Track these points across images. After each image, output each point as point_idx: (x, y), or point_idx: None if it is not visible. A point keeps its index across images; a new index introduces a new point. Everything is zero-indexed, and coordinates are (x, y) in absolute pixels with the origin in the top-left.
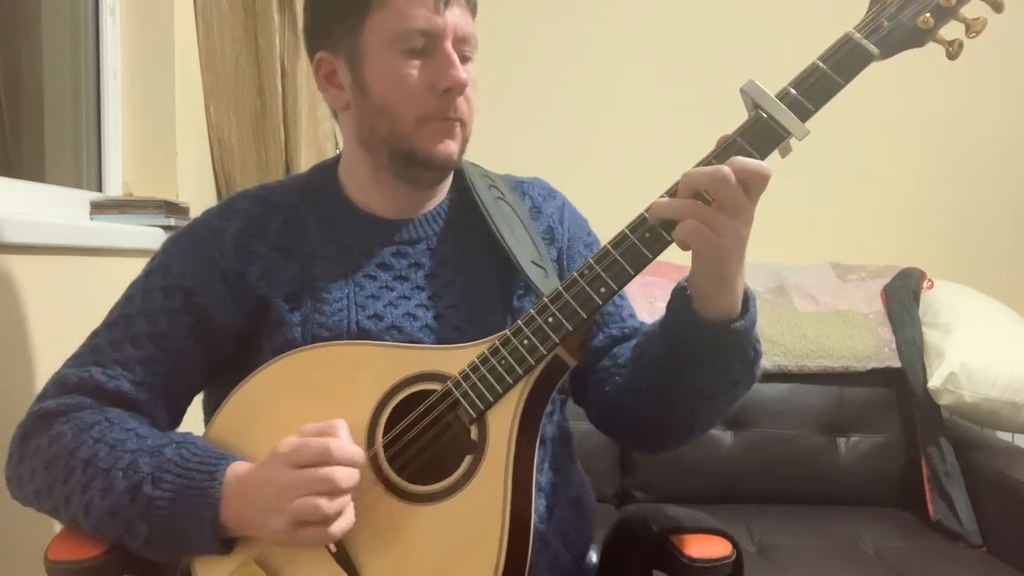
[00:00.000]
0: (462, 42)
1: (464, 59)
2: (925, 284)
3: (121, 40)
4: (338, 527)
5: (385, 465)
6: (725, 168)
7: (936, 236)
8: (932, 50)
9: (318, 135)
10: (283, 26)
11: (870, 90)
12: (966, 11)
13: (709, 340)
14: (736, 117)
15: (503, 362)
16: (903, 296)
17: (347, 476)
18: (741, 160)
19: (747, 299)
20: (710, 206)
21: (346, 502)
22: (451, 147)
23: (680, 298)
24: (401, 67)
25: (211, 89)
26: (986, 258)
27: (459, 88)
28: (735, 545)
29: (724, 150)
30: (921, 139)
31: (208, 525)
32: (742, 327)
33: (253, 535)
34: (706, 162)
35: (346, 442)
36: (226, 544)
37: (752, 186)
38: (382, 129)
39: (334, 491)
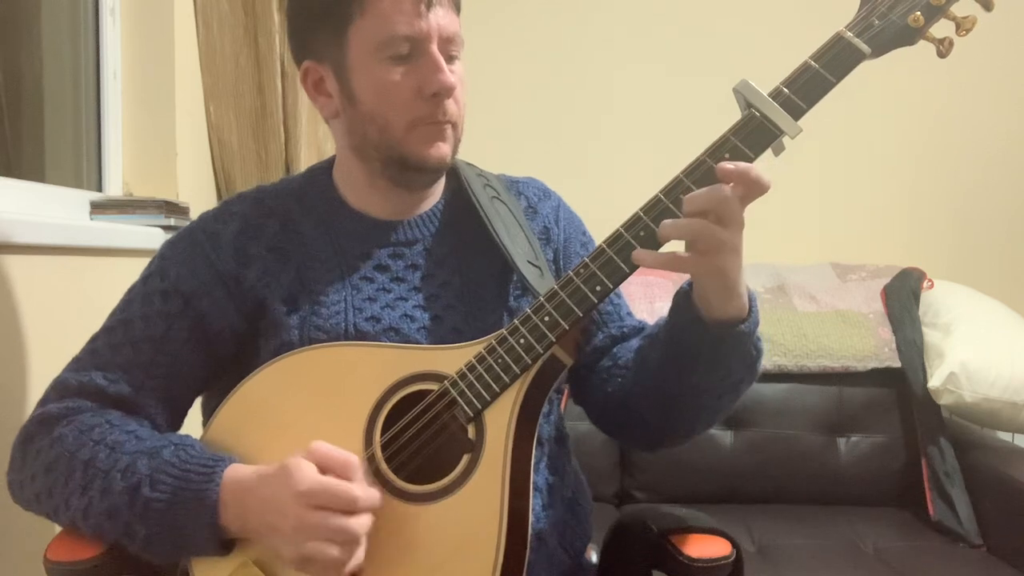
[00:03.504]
0: (447, 42)
1: (450, 59)
2: (925, 284)
3: (121, 40)
4: (345, 571)
5: (383, 465)
6: (723, 188)
7: (936, 236)
8: (931, 50)
9: (318, 135)
10: (283, 26)
11: (871, 90)
12: (956, 9)
13: (715, 344)
14: (731, 116)
15: (500, 361)
16: (903, 296)
17: (364, 526)
18: (743, 167)
19: (750, 300)
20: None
21: (357, 550)
22: (443, 149)
23: (683, 303)
24: (387, 74)
25: (211, 89)
26: (986, 258)
27: (447, 92)
28: (735, 545)
29: (717, 149)
30: (921, 139)
31: (206, 527)
32: (747, 329)
33: (253, 540)
34: (699, 161)
35: (367, 490)
36: (225, 545)
37: (750, 196)
38: (373, 136)
39: (351, 542)
